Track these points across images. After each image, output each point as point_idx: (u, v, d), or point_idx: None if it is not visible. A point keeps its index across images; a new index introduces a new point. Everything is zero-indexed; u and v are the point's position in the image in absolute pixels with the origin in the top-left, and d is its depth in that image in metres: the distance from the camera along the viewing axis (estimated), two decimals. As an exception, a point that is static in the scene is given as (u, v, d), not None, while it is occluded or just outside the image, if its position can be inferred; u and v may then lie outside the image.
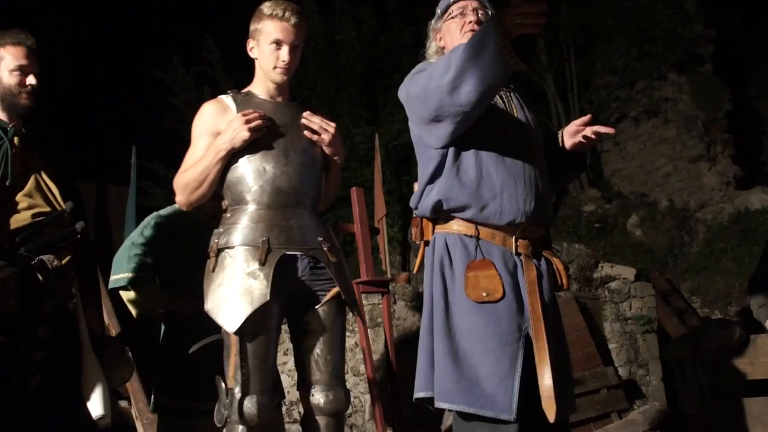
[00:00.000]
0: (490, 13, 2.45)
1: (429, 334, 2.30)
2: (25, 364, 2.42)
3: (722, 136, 9.17)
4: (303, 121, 2.58)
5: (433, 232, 2.39)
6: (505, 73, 2.07)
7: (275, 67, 2.55)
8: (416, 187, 2.46)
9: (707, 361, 4.07)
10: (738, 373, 3.91)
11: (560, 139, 2.54)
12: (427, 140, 2.35)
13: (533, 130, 2.47)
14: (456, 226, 2.33)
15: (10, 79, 2.63)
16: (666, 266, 7.77)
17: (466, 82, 2.07)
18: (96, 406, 2.54)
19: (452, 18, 2.46)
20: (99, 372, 2.61)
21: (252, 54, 2.61)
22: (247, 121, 2.44)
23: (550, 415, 2.13)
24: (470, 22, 2.41)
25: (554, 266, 2.41)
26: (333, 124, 2.61)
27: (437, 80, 2.15)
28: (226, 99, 2.60)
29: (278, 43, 2.53)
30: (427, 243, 2.42)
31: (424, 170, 2.41)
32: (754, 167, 9.46)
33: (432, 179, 2.36)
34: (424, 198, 2.38)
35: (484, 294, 2.21)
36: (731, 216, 8.07)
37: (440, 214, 2.36)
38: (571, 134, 2.48)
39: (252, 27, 2.59)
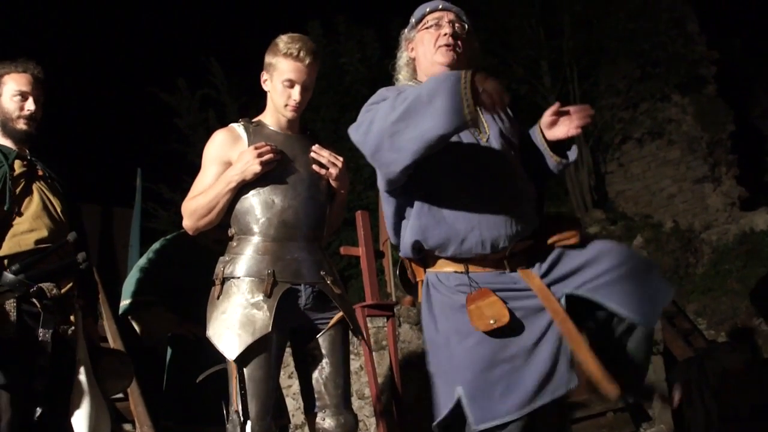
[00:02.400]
0: (466, 26, 2.38)
1: (442, 374, 2.21)
2: (24, 392, 2.41)
3: (726, 157, 9.16)
4: (312, 154, 2.60)
5: (424, 273, 2.33)
6: (450, 128, 1.93)
7: (286, 105, 2.56)
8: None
9: (713, 384, 4.05)
10: (745, 397, 3.88)
11: (540, 132, 2.39)
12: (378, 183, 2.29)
13: (507, 142, 2.34)
14: (446, 267, 2.26)
15: (10, 104, 2.67)
16: (671, 288, 7.72)
17: (410, 128, 1.96)
18: (80, 425, 2.52)
19: (427, 28, 2.38)
20: (93, 387, 2.59)
21: (265, 86, 2.61)
22: (259, 155, 2.45)
23: (613, 394, 2.21)
24: (445, 34, 2.33)
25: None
26: (341, 159, 2.62)
27: (380, 122, 2.05)
28: (238, 128, 2.60)
29: (291, 83, 2.53)
30: (421, 282, 2.35)
31: (389, 205, 2.32)
32: (758, 188, 9.42)
33: (400, 213, 2.29)
34: (402, 237, 2.31)
35: (491, 321, 2.13)
36: (736, 237, 8.04)
37: (424, 254, 2.30)
38: (548, 125, 2.34)
39: (267, 60, 2.58)
